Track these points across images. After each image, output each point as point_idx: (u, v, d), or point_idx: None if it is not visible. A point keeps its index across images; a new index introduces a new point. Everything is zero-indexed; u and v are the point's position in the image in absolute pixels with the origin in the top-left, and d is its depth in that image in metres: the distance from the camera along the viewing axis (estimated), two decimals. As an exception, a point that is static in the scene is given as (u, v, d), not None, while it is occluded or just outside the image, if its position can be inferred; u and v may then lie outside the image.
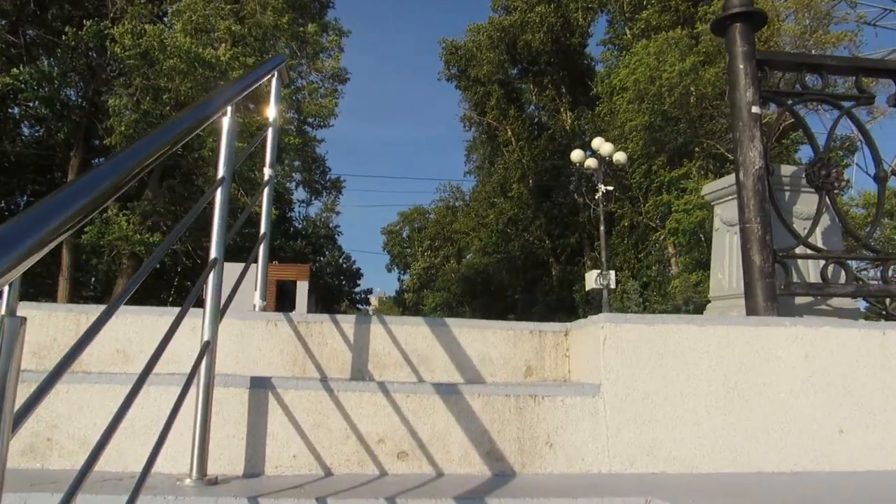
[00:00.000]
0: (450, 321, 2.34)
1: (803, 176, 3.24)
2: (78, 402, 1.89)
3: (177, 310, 2.32)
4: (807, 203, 3.29)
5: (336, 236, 54.77)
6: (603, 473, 1.96)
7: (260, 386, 1.93)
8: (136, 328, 2.27)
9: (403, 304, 68.98)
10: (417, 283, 60.69)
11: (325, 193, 50.87)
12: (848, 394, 2.10)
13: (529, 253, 46.78)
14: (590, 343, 2.17)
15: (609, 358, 2.06)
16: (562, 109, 43.75)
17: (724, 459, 2.01)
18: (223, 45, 20.25)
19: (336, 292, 53.14)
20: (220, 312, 1.87)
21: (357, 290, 57.71)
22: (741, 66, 2.91)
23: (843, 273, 2.92)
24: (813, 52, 28.17)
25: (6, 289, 0.86)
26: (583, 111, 42.36)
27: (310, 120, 22.58)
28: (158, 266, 20.40)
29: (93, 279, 25.90)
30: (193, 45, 17.16)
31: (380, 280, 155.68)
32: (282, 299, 18.54)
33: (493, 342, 2.34)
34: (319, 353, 2.28)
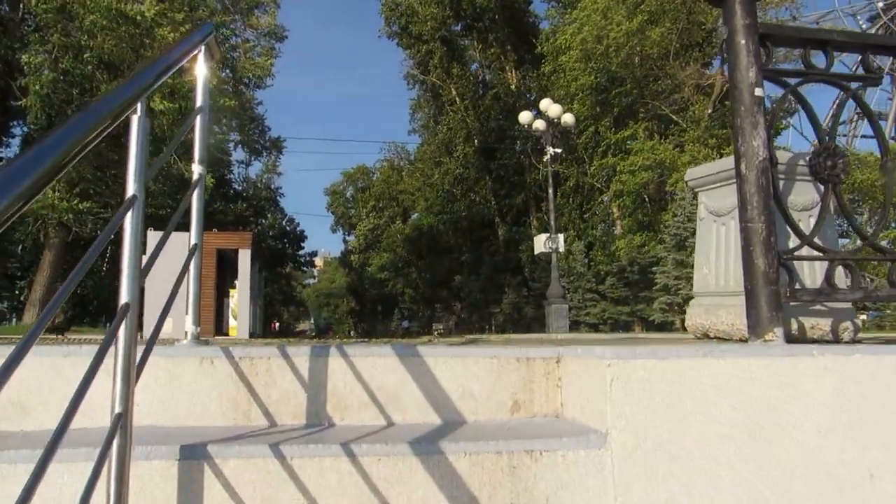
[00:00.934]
0: (423, 350, 1.98)
1: (800, 163, 2.96)
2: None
3: (86, 351, 1.88)
4: (802, 193, 3.03)
5: (278, 198, 53.26)
6: (612, 541, 1.66)
7: (193, 456, 1.53)
8: (35, 374, 1.83)
9: (349, 266, 68.22)
10: (363, 244, 60.04)
11: (265, 154, 49.31)
12: (879, 431, 1.85)
13: (475, 213, 46.62)
14: (591, 381, 1.84)
15: (617, 401, 1.74)
16: (507, 68, 43.14)
17: (750, 518, 1.73)
18: (149, -1, 18.92)
19: (280, 256, 51.94)
20: (136, 372, 1.45)
21: (301, 252, 56.56)
22: (742, 42, 2.58)
23: (846, 275, 2.67)
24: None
25: None
26: (528, 70, 41.91)
27: (246, 79, 21.46)
28: (84, 236, 19.26)
29: (20, 248, 24.43)
30: (116, 0, 15.88)
31: (325, 241, 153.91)
32: (223, 269, 17.80)
33: (474, 372, 1.99)
34: (267, 396, 1.89)
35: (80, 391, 1.19)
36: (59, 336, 5.29)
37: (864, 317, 22.93)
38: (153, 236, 16.72)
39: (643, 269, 27.42)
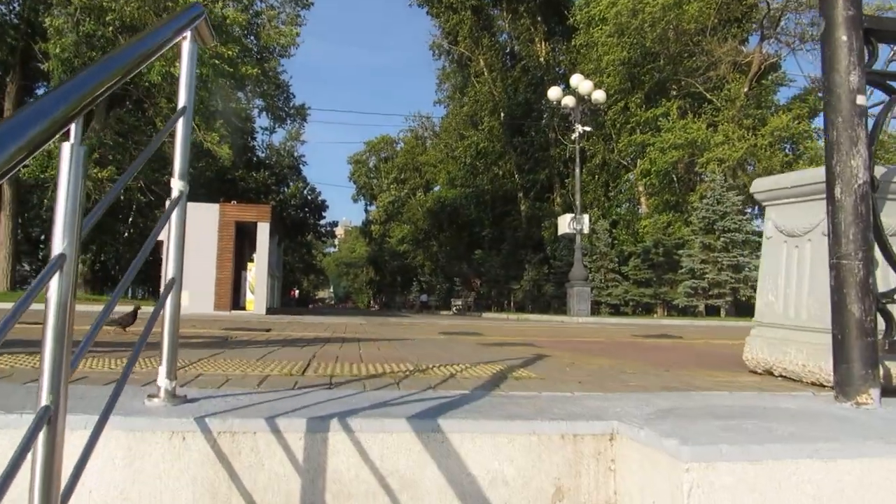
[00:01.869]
0: (445, 424, 1.60)
1: (894, 180, 2.50)
2: None
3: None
4: (893, 214, 2.56)
5: (301, 166, 53.03)
6: None
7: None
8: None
9: (370, 236, 68.13)
10: (384, 216, 59.72)
11: (289, 121, 48.94)
12: None
13: (498, 187, 45.97)
14: (660, 481, 1.44)
15: (696, 516, 1.34)
16: (536, 40, 42.00)
17: None
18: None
19: (301, 225, 51.87)
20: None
21: (323, 222, 56.47)
22: (843, 38, 2.11)
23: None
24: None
25: None
26: (558, 42, 40.85)
27: (270, 48, 20.96)
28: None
29: (43, 213, 24.38)
30: (138, -39, 15.45)
31: (346, 211, 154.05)
32: (241, 242, 17.55)
33: (507, 453, 1.61)
34: (252, 481, 1.52)
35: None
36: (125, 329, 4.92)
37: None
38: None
39: (668, 251, 26.77)
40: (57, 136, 1.02)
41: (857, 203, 2.06)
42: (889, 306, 2.16)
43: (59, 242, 1.05)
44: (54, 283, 1.03)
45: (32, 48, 17.79)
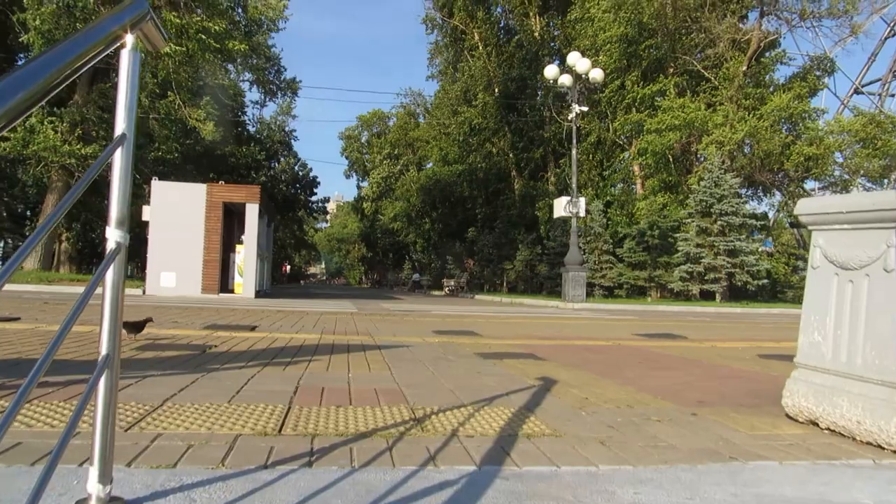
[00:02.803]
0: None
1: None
2: None
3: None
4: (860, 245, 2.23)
5: (292, 141, 52.29)
6: None
7: None
8: None
9: (362, 213, 67.53)
10: (377, 193, 59.14)
11: (280, 95, 48.12)
12: None
13: (492, 165, 45.48)
14: None
15: None
16: (531, 14, 41.20)
17: None
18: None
19: (292, 201, 51.28)
20: None
21: (314, 199, 55.87)
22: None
23: None
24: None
25: None
26: (553, 17, 40.11)
27: (258, 21, 20.26)
28: (97, 179, 18.49)
29: (23, 189, 23.82)
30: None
31: (338, 185, 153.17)
32: (230, 223, 17.10)
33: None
34: None
35: None
36: (134, 335, 4.63)
37: None
38: (158, 186, 16.00)
39: (664, 234, 26.48)
40: None
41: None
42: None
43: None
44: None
45: (10, 19, 17.11)
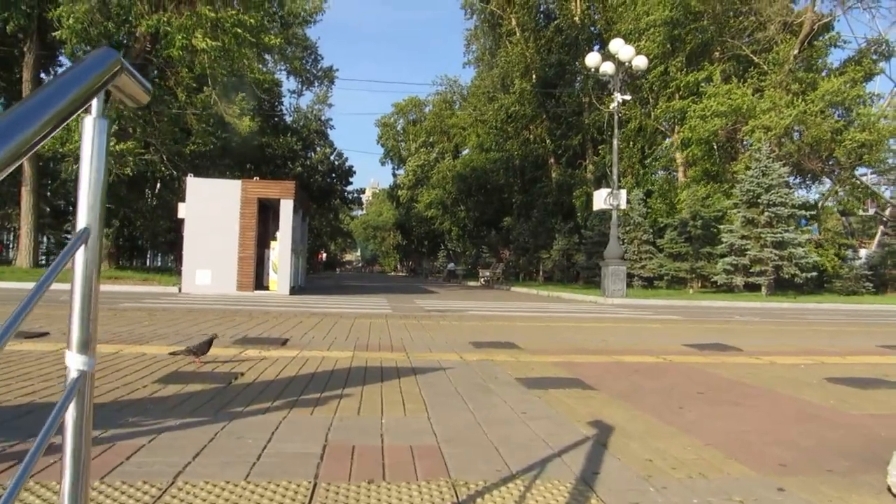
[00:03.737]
0: None
1: None
2: None
3: None
4: None
5: (328, 131, 52.35)
6: None
7: None
8: None
9: (397, 201, 67.45)
10: (412, 180, 58.89)
11: (316, 83, 48.16)
12: None
13: (529, 153, 44.82)
14: None
15: None
16: (571, -3, 40.27)
17: None
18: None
19: (328, 192, 51.39)
20: None
21: (349, 188, 55.95)
22: None
23: None
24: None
25: None
26: (594, 0, 39.12)
27: (297, 14, 20.04)
28: (131, 174, 18.63)
29: (69, 185, 24.10)
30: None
31: (373, 174, 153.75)
32: (265, 218, 17.01)
33: None
34: None
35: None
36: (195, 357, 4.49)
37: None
38: (193, 183, 15.96)
39: (706, 224, 25.68)
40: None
41: None
42: None
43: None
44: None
45: (44, 16, 17.16)
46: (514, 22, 41.38)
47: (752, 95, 24.81)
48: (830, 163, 26.45)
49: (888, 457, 2.41)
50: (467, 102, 54.44)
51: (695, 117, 25.88)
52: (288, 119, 47.45)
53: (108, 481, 2.21)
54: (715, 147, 28.00)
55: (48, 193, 25.65)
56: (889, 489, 2.29)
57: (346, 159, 55.30)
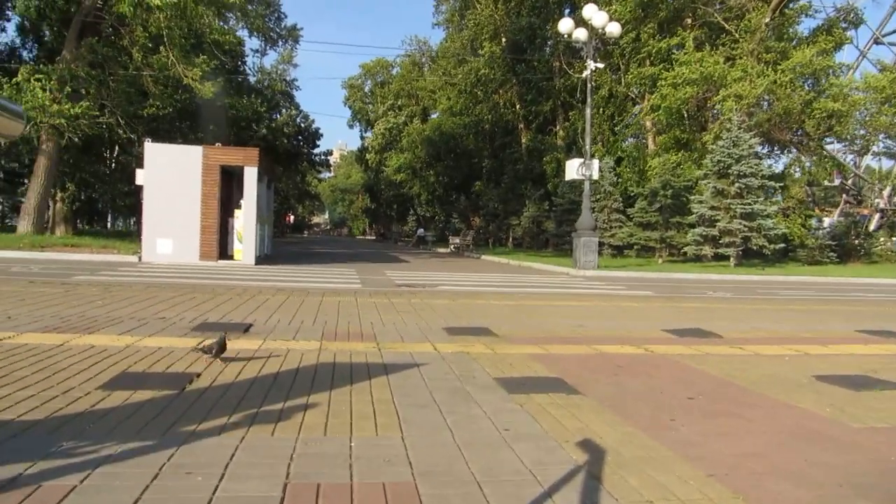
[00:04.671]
0: None
1: None
2: None
3: None
4: None
5: (293, 92, 50.98)
6: None
7: None
8: None
9: (366, 164, 66.35)
10: (381, 144, 57.90)
11: (280, 42, 46.64)
12: None
13: (499, 118, 44.28)
14: None
15: None
16: (541, -44, 39.37)
17: None
18: None
19: (294, 155, 50.24)
20: None
21: (316, 151, 54.83)
22: None
23: None
24: None
25: None
26: (564, -40, 38.30)
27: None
28: (83, 139, 17.70)
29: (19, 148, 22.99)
30: None
31: (340, 136, 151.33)
32: (228, 185, 16.36)
33: None
34: None
35: None
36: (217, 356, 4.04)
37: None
38: (151, 149, 15.23)
39: (677, 194, 25.67)
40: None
41: None
42: None
43: None
44: None
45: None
46: (483, -19, 40.41)
47: (724, 64, 24.62)
48: (799, 133, 26.55)
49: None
50: (437, 65, 53.42)
51: (666, 85, 25.64)
52: (252, 79, 45.99)
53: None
54: (685, 115, 27.86)
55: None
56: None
57: (313, 122, 54.07)
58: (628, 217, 28.03)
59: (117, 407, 3.30)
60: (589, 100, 18.53)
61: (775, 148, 28.74)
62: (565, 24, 18.07)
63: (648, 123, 31.28)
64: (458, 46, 45.35)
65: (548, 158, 38.26)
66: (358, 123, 69.15)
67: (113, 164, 24.73)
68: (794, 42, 26.83)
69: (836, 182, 33.47)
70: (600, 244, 26.72)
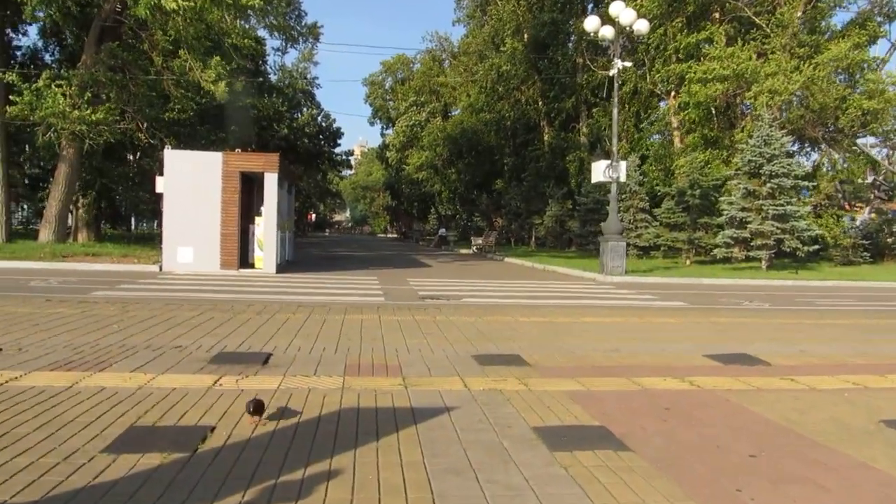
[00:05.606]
0: None
1: None
2: None
3: None
4: None
5: (314, 90, 50.88)
6: None
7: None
8: None
9: (386, 162, 66.10)
10: (402, 141, 57.61)
11: (301, 41, 46.52)
12: None
13: (521, 115, 43.66)
14: None
15: None
16: (565, -50, 38.72)
17: None
18: None
19: (316, 155, 50.16)
20: None
21: (337, 150, 54.71)
22: None
23: None
24: None
25: None
26: (589, -46, 37.68)
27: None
28: (106, 145, 17.60)
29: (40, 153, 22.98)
30: None
31: (362, 132, 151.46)
32: (248, 191, 16.15)
33: None
34: None
35: None
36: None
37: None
38: (171, 156, 15.06)
39: (705, 193, 25.01)
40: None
41: None
42: None
43: None
44: None
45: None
46: (506, -23, 39.88)
47: (755, 59, 23.93)
48: (832, 129, 25.75)
49: None
50: (458, 61, 52.97)
51: (695, 80, 25.00)
52: (273, 78, 45.97)
53: None
54: (713, 112, 27.18)
55: (22, 160, 24.52)
56: None
57: (334, 121, 53.94)
58: (654, 217, 27.42)
59: (121, 479, 2.99)
60: (615, 99, 18.02)
61: (805, 144, 27.95)
62: (591, 23, 17.57)
63: (675, 121, 30.62)
64: (480, 42, 44.88)
65: (571, 157, 37.73)
66: (379, 121, 68.91)
67: (136, 168, 24.70)
68: (826, 35, 26.02)
69: (870, 179, 32.49)
70: (626, 245, 26.21)
